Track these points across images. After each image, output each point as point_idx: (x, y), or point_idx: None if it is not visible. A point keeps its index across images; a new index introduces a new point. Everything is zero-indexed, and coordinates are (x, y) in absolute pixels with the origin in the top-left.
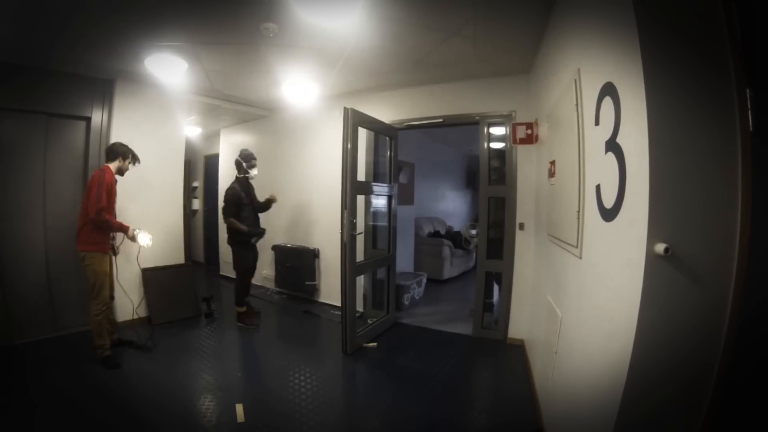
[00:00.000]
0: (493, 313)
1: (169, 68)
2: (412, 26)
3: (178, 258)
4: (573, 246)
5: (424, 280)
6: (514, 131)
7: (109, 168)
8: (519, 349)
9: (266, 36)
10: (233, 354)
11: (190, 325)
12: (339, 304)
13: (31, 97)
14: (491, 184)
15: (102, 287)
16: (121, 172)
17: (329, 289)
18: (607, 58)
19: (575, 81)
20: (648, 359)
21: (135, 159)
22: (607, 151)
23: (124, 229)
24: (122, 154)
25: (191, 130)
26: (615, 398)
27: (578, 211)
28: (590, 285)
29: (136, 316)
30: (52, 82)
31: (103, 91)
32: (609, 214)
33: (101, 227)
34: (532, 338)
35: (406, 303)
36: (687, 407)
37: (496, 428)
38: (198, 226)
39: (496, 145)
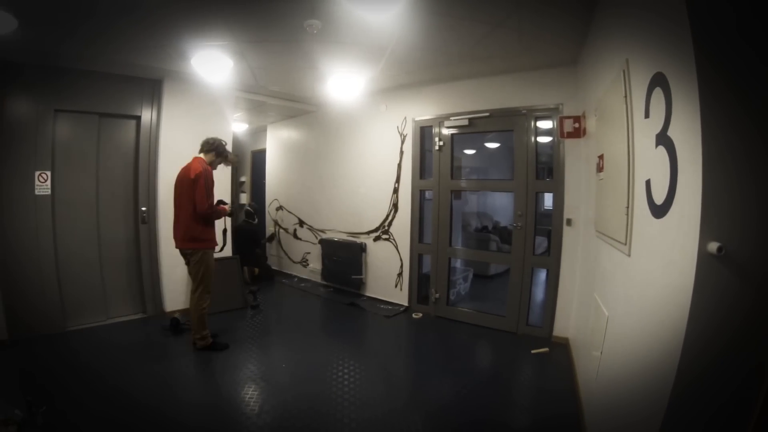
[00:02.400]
0: (531, 309)
1: (215, 66)
2: (456, 19)
3: (226, 251)
4: (621, 243)
5: (471, 276)
6: (561, 125)
7: (204, 159)
8: (563, 348)
9: (310, 33)
10: (277, 344)
11: (236, 315)
12: (385, 299)
13: (85, 99)
14: (539, 178)
15: (210, 281)
16: (212, 165)
17: (376, 283)
18: (657, 47)
19: (624, 72)
20: (697, 363)
21: (226, 159)
22: (657, 145)
23: (225, 212)
24: (219, 151)
25: (238, 126)
26: (661, 402)
27: (627, 207)
28: (639, 284)
29: (184, 306)
30: (104, 84)
31: (152, 91)
32: (659, 211)
33: (211, 219)
34: (577, 337)
35: (452, 298)
36: (737, 411)
37: (536, 427)
38: None
39: (543, 139)
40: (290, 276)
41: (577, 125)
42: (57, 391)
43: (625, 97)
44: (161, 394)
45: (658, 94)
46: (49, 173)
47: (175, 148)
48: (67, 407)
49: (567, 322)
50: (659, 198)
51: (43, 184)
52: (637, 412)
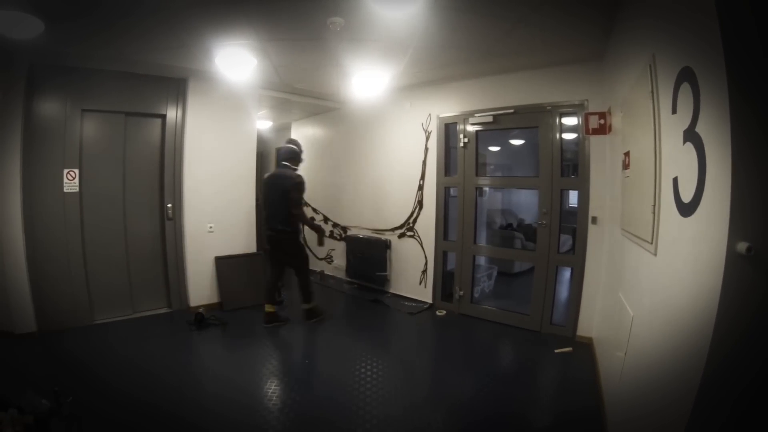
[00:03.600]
0: (555, 308)
1: (238, 65)
2: (478, 15)
3: (250, 247)
4: (647, 242)
5: (495, 273)
6: (586, 121)
7: None
8: (587, 347)
9: (333, 30)
10: (300, 341)
11: (260, 311)
12: (409, 296)
13: (112, 99)
14: (564, 175)
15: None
16: None
17: (400, 280)
18: (685, 41)
19: (650, 66)
20: (724, 365)
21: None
22: (685, 142)
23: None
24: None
25: (262, 123)
26: (686, 406)
27: (654, 205)
28: (665, 283)
29: (208, 302)
30: (130, 83)
31: (177, 90)
32: (687, 209)
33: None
34: (601, 337)
35: (476, 296)
36: (764, 416)
37: (557, 427)
38: None
39: (568, 136)
40: (314, 272)
41: (602, 121)
42: (83, 382)
43: (652, 92)
44: (184, 387)
45: (685, 90)
46: (77, 171)
47: (200, 146)
48: (93, 398)
49: (591, 322)
50: (687, 196)
51: (71, 181)
52: (661, 416)
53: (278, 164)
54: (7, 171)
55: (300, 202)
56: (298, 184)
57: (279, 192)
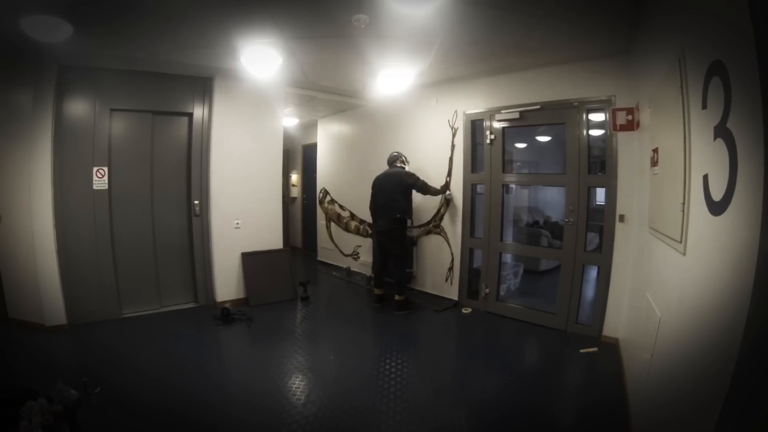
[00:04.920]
0: (582, 307)
1: (264, 63)
2: (503, 10)
3: (277, 243)
4: (676, 241)
5: (521, 271)
6: (613, 117)
7: None
8: (613, 348)
9: (358, 27)
10: (326, 336)
11: (286, 307)
12: (435, 293)
13: (139, 98)
14: (591, 172)
15: None
16: None
17: (426, 277)
18: (715, 34)
19: (679, 60)
20: (754, 370)
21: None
22: (715, 138)
23: None
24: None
25: (289, 120)
26: (713, 411)
27: (683, 203)
28: (693, 284)
29: (234, 297)
30: (157, 83)
31: (204, 88)
32: (717, 208)
33: None
34: (627, 337)
35: (502, 293)
36: None
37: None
38: (297, 213)
39: (596, 132)
40: (340, 268)
41: (630, 117)
42: (111, 374)
43: (681, 87)
44: (210, 380)
45: (716, 84)
46: (106, 169)
47: (227, 143)
48: (121, 388)
49: (617, 322)
50: (717, 194)
51: (100, 179)
52: (688, 422)
53: (390, 166)
54: (38, 169)
55: (427, 185)
56: (412, 176)
57: (395, 187)
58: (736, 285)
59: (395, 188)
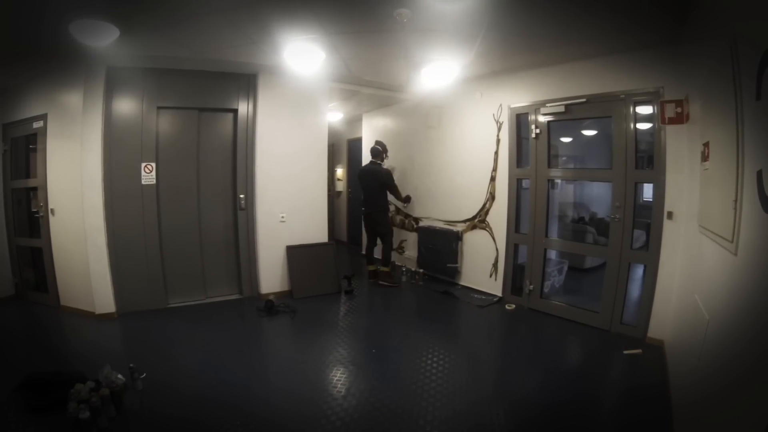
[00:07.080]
0: (627, 306)
1: (307, 59)
2: (545, 1)
3: (322, 237)
4: (727, 240)
5: (566, 268)
6: (662, 110)
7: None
8: (658, 350)
9: (400, 21)
10: (369, 330)
11: (330, 300)
12: (479, 288)
13: (185, 96)
14: (638, 167)
15: None
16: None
17: (470, 272)
18: None
19: (731, 49)
20: None
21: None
22: None
23: None
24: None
25: (333, 115)
26: (762, 422)
27: (735, 201)
28: (744, 286)
29: (278, 290)
30: (202, 81)
31: (248, 85)
32: None
33: None
34: (673, 340)
35: (546, 290)
36: None
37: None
38: (342, 207)
39: (643, 126)
40: None
41: (679, 110)
42: (157, 360)
43: (733, 77)
44: (251, 370)
45: None
46: (153, 164)
47: (272, 138)
48: (165, 374)
49: (663, 323)
50: None
51: (148, 174)
52: None
53: (372, 157)
54: (89, 166)
55: (396, 188)
56: (388, 176)
57: (373, 182)
58: None
59: (379, 188)
